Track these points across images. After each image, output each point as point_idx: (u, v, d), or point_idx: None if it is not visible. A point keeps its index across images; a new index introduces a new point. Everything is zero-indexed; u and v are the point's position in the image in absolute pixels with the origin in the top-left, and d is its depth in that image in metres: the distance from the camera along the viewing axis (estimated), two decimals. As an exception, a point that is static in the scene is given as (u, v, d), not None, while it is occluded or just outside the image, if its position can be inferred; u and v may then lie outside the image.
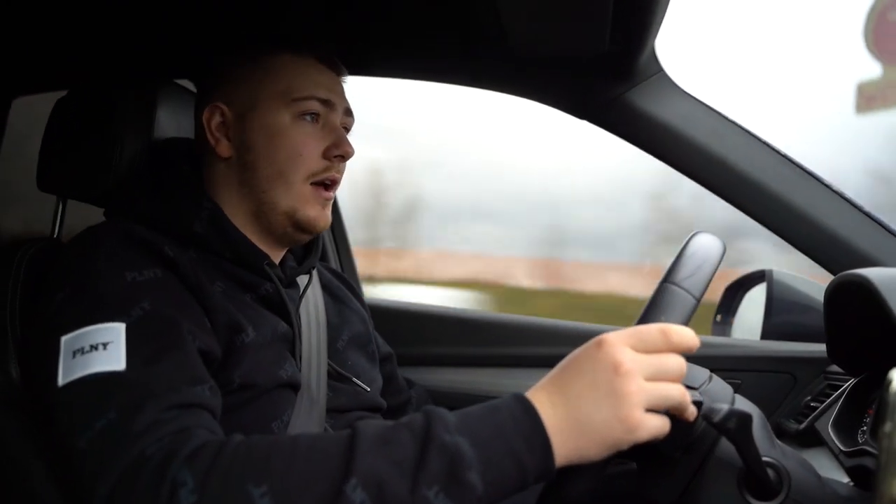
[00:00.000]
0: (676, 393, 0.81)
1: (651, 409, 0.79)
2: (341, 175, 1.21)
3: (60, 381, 0.87)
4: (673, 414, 0.83)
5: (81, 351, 0.88)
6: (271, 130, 1.15)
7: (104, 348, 0.88)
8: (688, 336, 0.82)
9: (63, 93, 1.32)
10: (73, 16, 1.46)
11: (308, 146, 1.15)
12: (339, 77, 1.24)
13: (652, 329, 0.82)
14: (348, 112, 1.23)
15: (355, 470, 0.75)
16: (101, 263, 0.98)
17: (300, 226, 1.17)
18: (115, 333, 0.89)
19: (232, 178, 1.17)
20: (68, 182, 1.22)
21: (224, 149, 1.17)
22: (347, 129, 1.23)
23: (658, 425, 0.80)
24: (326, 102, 1.18)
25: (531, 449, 0.77)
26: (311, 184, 1.16)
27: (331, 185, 1.19)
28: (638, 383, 0.78)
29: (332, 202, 1.21)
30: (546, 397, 0.80)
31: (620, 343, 0.80)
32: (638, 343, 0.81)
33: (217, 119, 1.18)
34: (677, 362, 0.82)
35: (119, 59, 1.58)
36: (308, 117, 1.16)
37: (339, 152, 1.17)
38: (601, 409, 0.78)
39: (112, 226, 1.05)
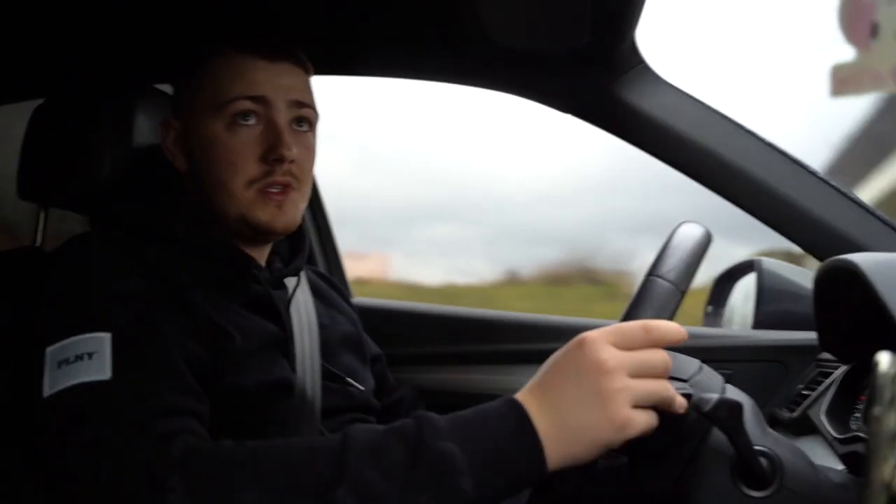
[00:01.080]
0: (662, 388, 0.80)
1: (638, 406, 0.79)
2: (295, 177, 1.12)
3: (46, 391, 0.86)
4: (661, 410, 0.83)
5: (67, 361, 0.87)
6: (206, 141, 1.11)
7: (89, 358, 0.87)
8: (671, 329, 0.82)
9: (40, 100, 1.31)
10: (48, 23, 1.45)
11: (241, 153, 1.09)
12: (290, 67, 1.15)
13: (634, 325, 0.81)
14: (298, 104, 1.13)
15: (345, 476, 0.74)
16: (85, 273, 0.97)
17: (257, 230, 1.12)
18: (100, 343, 0.88)
19: (193, 189, 1.16)
20: (49, 190, 1.21)
21: (180, 163, 1.16)
22: (311, 124, 1.16)
23: (646, 421, 0.79)
24: (260, 99, 1.10)
25: (523, 456, 0.77)
26: (258, 189, 1.10)
27: (283, 187, 1.11)
28: (622, 381, 0.78)
29: (293, 201, 1.13)
30: (535, 402, 0.80)
31: (602, 341, 0.80)
32: (620, 340, 0.80)
33: (172, 134, 1.16)
34: (661, 357, 0.81)
35: (96, 65, 1.57)
36: (247, 119, 1.09)
37: (274, 156, 1.08)
38: (589, 412, 0.77)
39: (96, 235, 1.04)
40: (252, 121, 1.10)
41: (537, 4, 1.16)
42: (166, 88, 1.41)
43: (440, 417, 0.80)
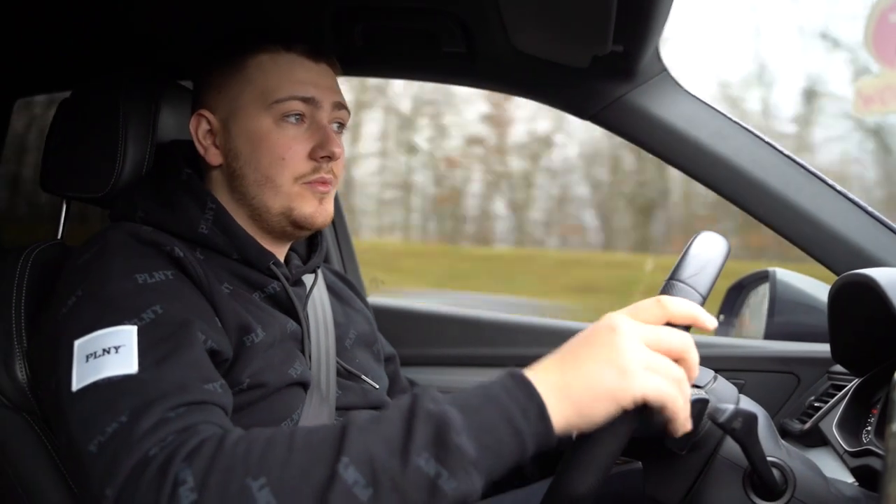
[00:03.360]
0: (677, 370, 0.81)
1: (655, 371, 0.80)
2: (335, 175, 1.17)
3: (74, 385, 0.87)
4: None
5: (94, 355, 0.88)
6: (254, 136, 1.13)
7: (116, 352, 0.88)
8: (683, 305, 0.83)
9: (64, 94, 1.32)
10: (75, 17, 1.47)
11: (291, 149, 1.13)
12: (328, 68, 1.20)
13: (648, 300, 0.84)
14: (339, 106, 1.18)
15: (346, 450, 0.75)
16: (111, 266, 0.98)
17: (298, 224, 1.16)
18: (126, 336, 0.89)
19: (225, 184, 1.17)
20: (71, 183, 1.22)
21: (213, 157, 1.17)
22: (342, 124, 1.20)
23: (657, 385, 0.78)
24: (310, 101, 1.14)
25: (525, 412, 0.77)
26: (304, 183, 1.14)
27: (325, 181, 1.16)
28: (635, 343, 0.79)
29: (330, 195, 1.18)
30: (541, 366, 0.81)
31: (618, 313, 0.83)
32: (637, 313, 0.83)
33: (204, 127, 1.17)
34: (679, 335, 0.82)
35: (121, 60, 1.58)
36: (292, 118, 1.13)
37: (324, 153, 1.13)
38: (596, 361, 0.79)
39: (120, 228, 1.04)
40: (298, 119, 1.14)
41: (562, 14, 1.17)
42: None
43: (437, 391, 0.81)
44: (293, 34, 1.17)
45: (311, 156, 1.14)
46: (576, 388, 0.78)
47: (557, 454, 0.88)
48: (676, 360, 0.82)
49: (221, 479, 0.75)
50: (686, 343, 0.82)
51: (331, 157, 1.14)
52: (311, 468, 0.75)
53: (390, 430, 0.76)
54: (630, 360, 0.78)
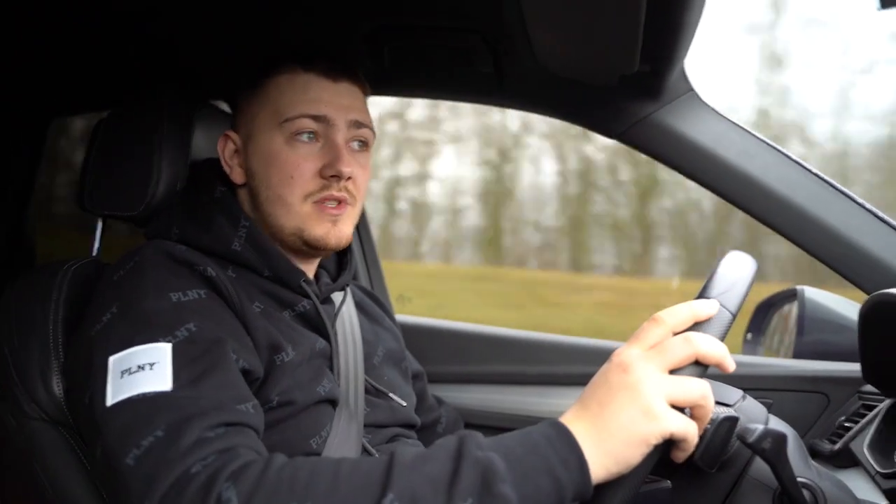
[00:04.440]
0: (695, 385, 0.81)
1: (676, 407, 0.80)
2: (351, 194, 1.15)
3: (109, 400, 0.88)
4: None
5: (129, 371, 0.89)
6: (267, 155, 1.15)
7: (151, 368, 0.89)
8: (715, 349, 0.83)
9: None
10: (109, 40, 1.50)
11: (300, 168, 1.12)
12: (350, 87, 1.19)
13: (645, 325, 0.85)
14: (357, 124, 1.17)
15: (392, 487, 0.76)
16: (146, 284, 0.99)
17: (310, 244, 1.15)
18: (161, 353, 0.91)
19: (249, 203, 1.19)
20: (108, 202, 1.24)
21: (237, 176, 1.19)
22: (367, 144, 1.20)
23: (684, 423, 0.80)
24: (322, 119, 1.14)
25: (565, 463, 0.78)
26: (314, 202, 1.14)
27: (338, 202, 1.15)
28: (648, 373, 0.81)
29: (348, 216, 1.17)
30: (573, 416, 0.82)
31: (623, 348, 0.84)
32: (640, 340, 0.84)
33: (230, 147, 1.20)
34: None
35: (155, 81, 1.61)
36: (304, 136, 1.13)
37: (332, 172, 1.12)
38: (622, 407, 0.80)
39: (155, 246, 1.06)
40: (312, 137, 1.14)
41: (589, 34, 1.18)
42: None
43: (481, 435, 0.82)
44: (313, 54, 1.17)
45: (321, 174, 1.13)
46: (608, 438, 0.79)
47: None
48: (693, 408, 0.83)
49: (266, 502, 0.76)
50: (705, 392, 0.82)
51: (339, 176, 1.13)
52: (356, 501, 0.76)
53: (436, 471, 0.78)
54: (653, 399, 0.79)
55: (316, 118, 1.14)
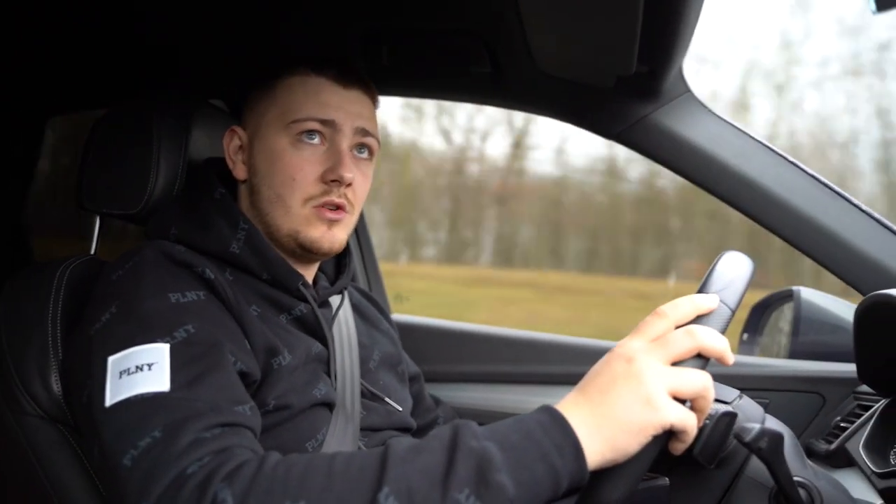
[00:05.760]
0: (697, 377, 0.82)
1: (677, 399, 0.81)
2: (349, 199, 1.15)
3: (108, 401, 0.88)
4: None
5: (127, 372, 0.89)
6: (271, 154, 1.15)
7: (149, 369, 0.89)
8: (716, 342, 0.83)
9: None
10: (106, 38, 1.50)
11: (303, 170, 1.13)
12: (360, 95, 1.19)
13: (648, 318, 0.85)
14: (363, 132, 1.17)
15: (387, 480, 0.76)
16: (145, 284, 0.99)
17: (304, 247, 1.15)
18: (159, 354, 0.91)
19: (248, 200, 1.19)
20: (106, 200, 1.24)
21: (240, 171, 1.19)
22: (371, 151, 1.20)
23: (684, 415, 0.80)
24: (329, 123, 1.14)
25: (560, 450, 0.78)
26: (313, 206, 1.14)
27: (336, 207, 1.14)
28: (649, 363, 0.81)
29: (344, 223, 1.17)
30: (570, 402, 0.82)
31: (626, 339, 0.84)
32: (643, 333, 0.84)
33: (235, 143, 1.20)
34: (681, 335, 0.83)
35: (152, 79, 1.61)
36: (311, 138, 1.13)
37: (334, 177, 1.12)
38: (622, 395, 0.80)
39: (154, 246, 1.06)
40: (317, 140, 1.14)
41: (587, 35, 1.18)
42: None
43: (476, 424, 0.82)
44: (326, 59, 1.18)
45: (322, 178, 1.13)
46: (606, 425, 0.79)
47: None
48: (694, 400, 0.83)
49: (261, 501, 0.76)
50: (707, 384, 0.82)
51: (340, 181, 1.13)
52: (351, 496, 0.76)
53: (431, 463, 0.78)
54: (654, 390, 0.79)
55: (323, 122, 1.14)
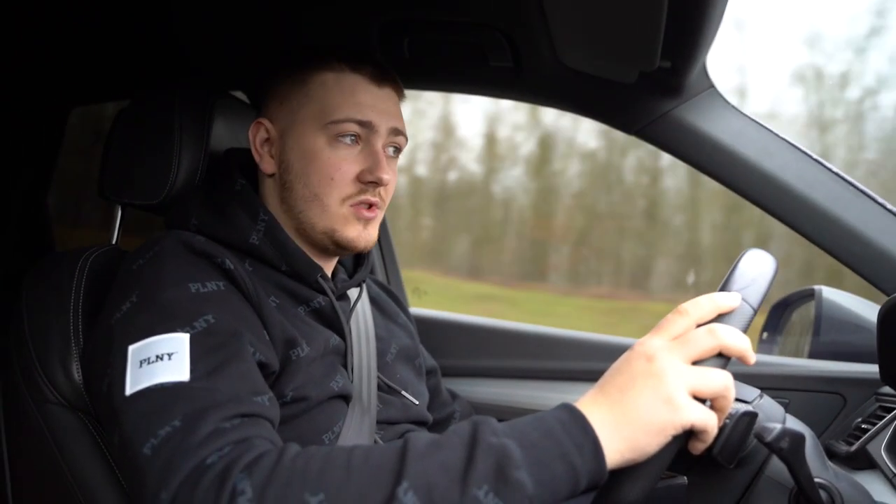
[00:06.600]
0: (718, 376, 0.81)
1: (697, 398, 0.80)
2: (383, 199, 1.17)
3: (128, 390, 0.89)
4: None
5: (148, 361, 0.90)
6: (307, 152, 1.15)
7: (169, 359, 0.90)
8: (739, 342, 0.82)
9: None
10: (129, 29, 1.51)
11: (341, 170, 1.13)
12: (391, 93, 1.20)
13: (669, 315, 0.85)
14: (396, 132, 1.18)
15: (406, 475, 0.76)
16: (166, 274, 1.00)
17: (340, 245, 1.16)
18: (179, 344, 0.91)
19: (276, 194, 1.19)
20: (127, 190, 1.25)
21: (268, 165, 1.19)
22: (399, 149, 1.21)
23: (704, 415, 0.80)
24: (366, 124, 1.15)
25: (580, 448, 0.78)
26: (350, 205, 1.15)
27: (370, 206, 1.16)
28: (670, 363, 0.80)
29: (377, 220, 1.19)
30: (590, 400, 0.82)
31: (647, 337, 0.84)
32: (664, 331, 0.84)
33: (262, 135, 1.19)
34: (703, 333, 0.82)
35: (174, 70, 1.62)
36: (347, 139, 1.14)
37: (372, 178, 1.13)
38: (642, 395, 0.80)
39: (174, 236, 1.06)
40: (353, 141, 1.15)
41: (610, 30, 1.17)
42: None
43: (495, 420, 0.82)
44: (360, 55, 1.18)
45: (359, 178, 1.14)
46: (626, 424, 0.79)
47: None
48: (714, 399, 0.82)
49: (280, 493, 0.76)
50: (728, 384, 0.82)
51: (378, 183, 1.14)
52: (369, 490, 0.76)
53: (451, 458, 0.78)
54: (675, 389, 0.79)
55: (361, 123, 1.14)
